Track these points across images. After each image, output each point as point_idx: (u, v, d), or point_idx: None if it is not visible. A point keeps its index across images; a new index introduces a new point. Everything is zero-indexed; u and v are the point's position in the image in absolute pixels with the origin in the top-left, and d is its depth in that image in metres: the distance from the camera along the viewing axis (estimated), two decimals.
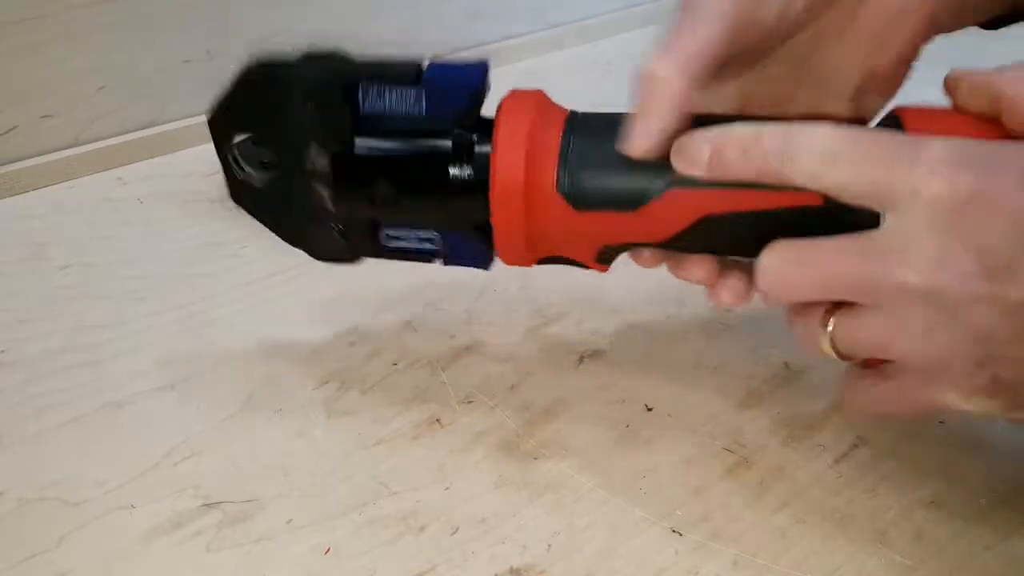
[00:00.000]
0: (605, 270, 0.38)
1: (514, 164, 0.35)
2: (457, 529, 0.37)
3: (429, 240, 0.40)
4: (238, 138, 0.40)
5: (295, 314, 0.50)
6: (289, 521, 0.37)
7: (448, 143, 0.36)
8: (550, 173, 0.35)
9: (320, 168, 0.38)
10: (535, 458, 0.40)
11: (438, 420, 0.43)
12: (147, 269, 0.54)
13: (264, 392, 0.45)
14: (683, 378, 0.45)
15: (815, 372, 0.45)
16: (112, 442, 0.42)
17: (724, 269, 0.36)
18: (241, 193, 0.41)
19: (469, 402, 0.44)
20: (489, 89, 0.37)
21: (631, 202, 0.34)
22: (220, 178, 0.40)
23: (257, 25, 0.79)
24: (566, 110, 0.37)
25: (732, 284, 0.36)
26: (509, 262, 0.39)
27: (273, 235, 0.42)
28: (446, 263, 0.41)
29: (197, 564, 0.36)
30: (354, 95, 0.37)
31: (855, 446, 0.40)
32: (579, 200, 0.35)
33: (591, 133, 0.35)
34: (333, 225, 0.40)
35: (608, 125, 0.35)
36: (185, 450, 0.41)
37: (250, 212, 0.42)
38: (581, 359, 0.47)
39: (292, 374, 0.46)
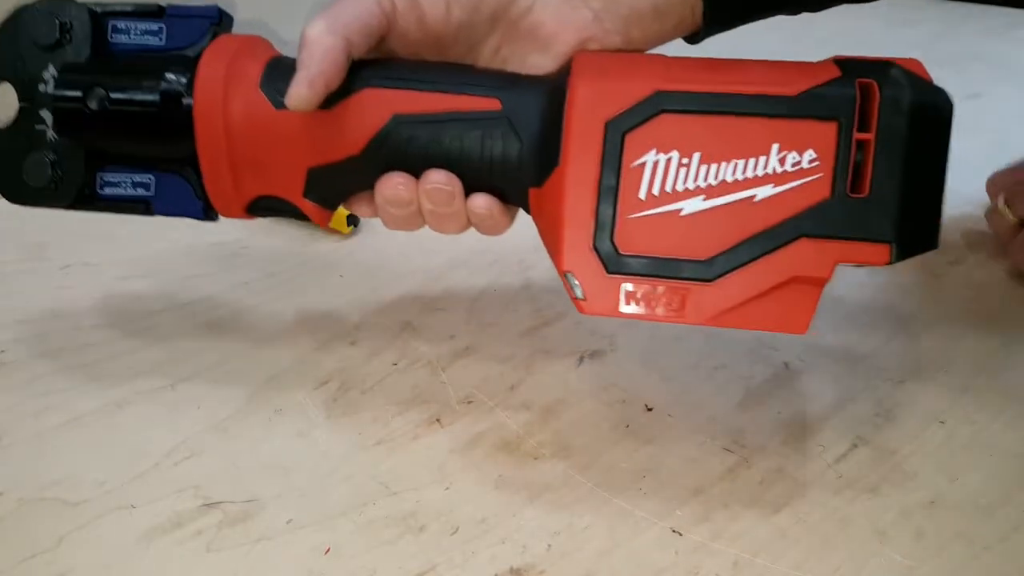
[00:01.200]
0: (319, 216, 0.39)
1: (214, 80, 0.36)
2: (457, 529, 0.37)
3: (143, 185, 0.40)
4: None
5: (295, 314, 0.50)
6: (289, 521, 0.37)
7: (167, 71, 0.38)
8: (252, 82, 0.37)
9: (49, 91, 0.39)
10: (535, 458, 0.40)
11: (438, 420, 0.43)
12: (147, 269, 0.54)
13: (264, 392, 0.45)
14: (683, 378, 0.45)
15: (815, 372, 0.45)
16: (112, 442, 0.42)
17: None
18: None
19: (469, 402, 0.44)
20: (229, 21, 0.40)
21: (327, 101, 0.36)
22: None
23: (257, 26, 0.78)
24: (276, 53, 0.39)
25: (438, 173, 0.37)
26: (220, 205, 0.39)
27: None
28: (159, 212, 0.41)
29: (197, 564, 0.36)
30: (104, 26, 0.39)
31: (855, 446, 0.40)
32: (280, 100, 0.36)
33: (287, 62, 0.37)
34: (46, 153, 0.40)
35: None
36: (185, 450, 0.41)
37: None
38: (581, 359, 0.47)
39: (292, 374, 0.46)
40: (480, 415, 0.43)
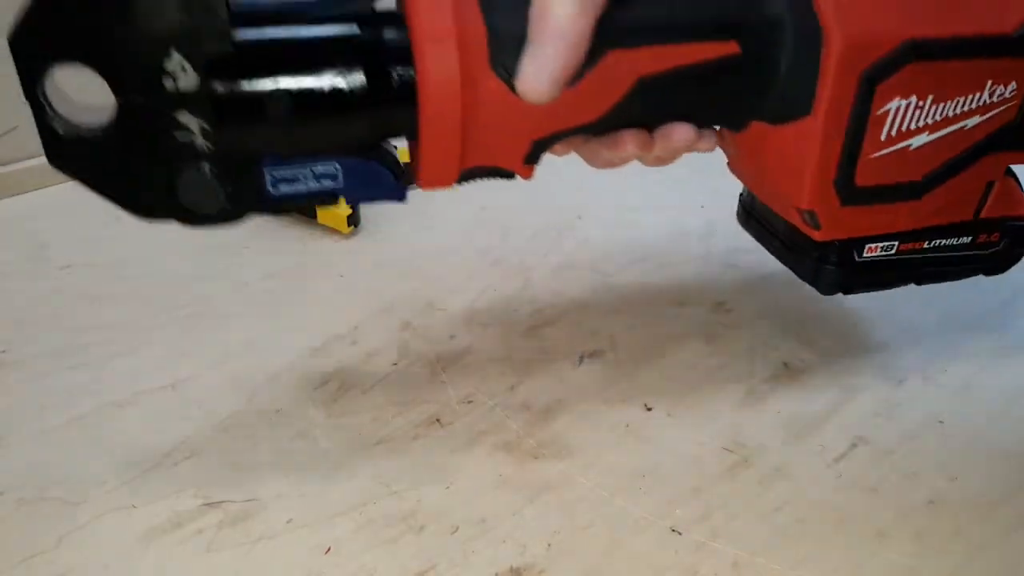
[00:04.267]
0: (530, 174, 0.35)
1: (447, 52, 0.30)
2: (457, 529, 0.37)
3: (329, 176, 0.33)
4: (58, 70, 0.29)
5: (295, 314, 0.50)
6: (289, 521, 0.38)
7: (355, 29, 0.30)
8: (482, 55, 0.30)
9: (186, 87, 0.29)
10: (535, 458, 0.40)
11: (438, 420, 0.43)
12: (147, 269, 0.54)
13: (264, 392, 0.45)
14: (683, 378, 0.45)
15: (815, 372, 0.45)
16: (112, 442, 0.42)
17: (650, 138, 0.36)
18: (63, 151, 0.30)
19: (469, 402, 0.44)
20: None
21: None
22: None
23: None
24: None
25: (681, 129, 0.36)
26: (429, 182, 0.34)
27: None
28: (351, 201, 0.34)
29: (197, 564, 0.36)
30: None
31: (855, 446, 0.40)
32: (511, 80, 0.31)
33: (510, 4, 0.31)
34: (205, 169, 0.31)
35: None
36: (185, 450, 0.41)
37: (80, 178, 0.31)
38: (581, 359, 0.47)
39: (292, 374, 0.46)
40: (480, 415, 0.43)
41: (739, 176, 0.42)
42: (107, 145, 0.30)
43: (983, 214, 0.41)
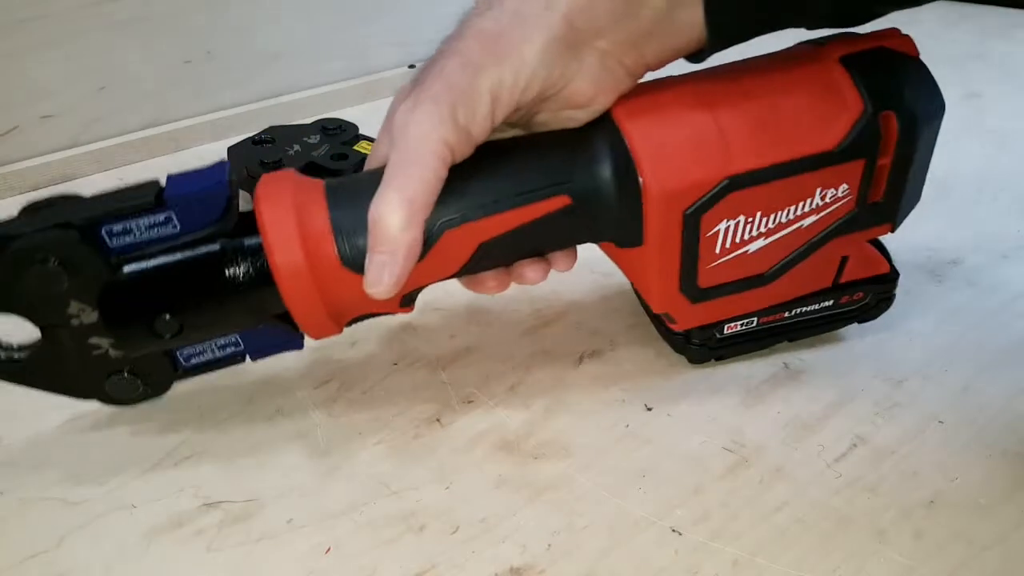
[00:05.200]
0: (410, 311, 0.39)
1: (290, 246, 0.34)
2: (457, 529, 0.37)
3: (231, 344, 0.38)
4: None
5: None
6: (289, 521, 0.38)
7: (216, 247, 0.35)
8: (330, 248, 0.34)
9: (89, 321, 0.36)
10: (535, 458, 0.40)
11: (438, 420, 0.43)
12: None
13: (264, 392, 0.45)
14: (683, 378, 0.45)
15: (815, 372, 0.45)
16: (112, 442, 0.42)
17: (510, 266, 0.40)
18: (10, 372, 0.38)
19: (469, 402, 0.44)
20: (234, 185, 0.36)
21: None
22: None
23: (257, 26, 0.79)
24: (320, 182, 0.36)
25: (531, 270, 0.39)
26: (318, 337, 0.37)
27: None
28: (256, 358, 0.40)
29: (197, 564, 0.36)
30: (98, 237, 0.34)
31: (855, 446, 0.40)
32: (361, 266, 0.35)
33: (353, 199, 0.35)
34: (123, 371, 0.38)
35: (366, 185, 0.35)
36: (185, 450, 0.41)
37: (30, 386, 0.38)
38: (581, 359, 0.47)
39: (292, 374, 0.46)
40: (480, 415, 0.43)
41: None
42: (41, 364, 0.37)
43: (842, 280, 0.43)
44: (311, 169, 0.62)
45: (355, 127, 0.68)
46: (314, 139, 0.65)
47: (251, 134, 0.66)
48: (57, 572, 0.35)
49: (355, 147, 0.66)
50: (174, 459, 0.41)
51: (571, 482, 0.39)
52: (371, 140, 0.67)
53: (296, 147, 0.64)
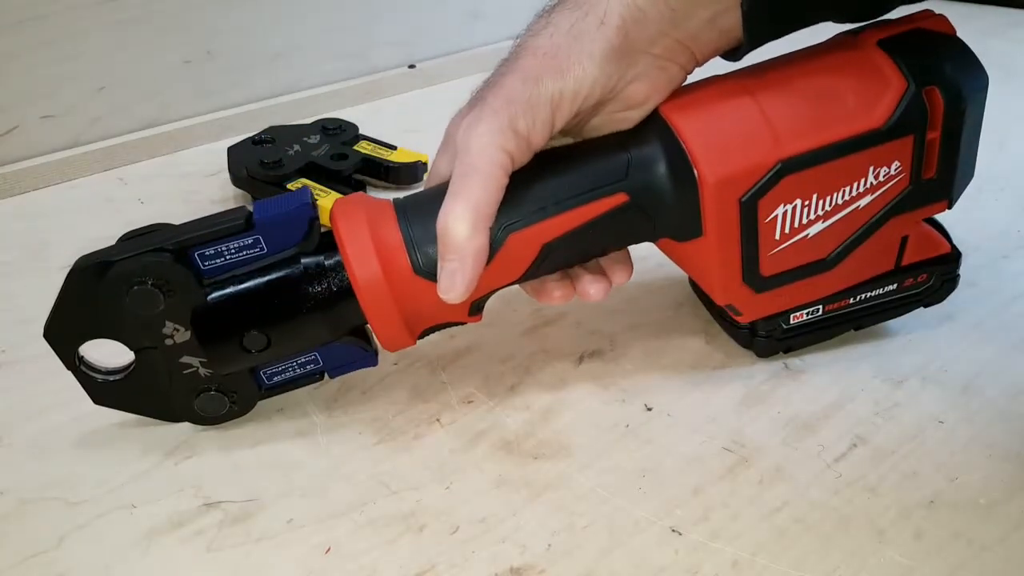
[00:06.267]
0: (479, 319, 0.41)
1: (367, 259, 0.36)
2: (457, 529, 0.37)
3: (311, 362, 0.41)
4: (84, 346, 0.39)
5: None
6: (289, 521, 0.38)
7: (300, 267, 0.37)
8: (403, 259, 0.37)
9: (182, 340, 0.38)
10: (535, 458, 0.40)
11: (438, 420, 0.43)
12: None
13: None
14: (683, 378, 0.45)
15: (815, 372, 0.45)
16: (112, 442, 0.42)
17: (574, 278, 0.42)
18: (105, 394, 0.40)
19: (469, 402, 0.44)
20: (316, 210, 0.39)
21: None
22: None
23: (258, 26, 0.79)
24: (388, 200, 0.39)
25: (594, 287, 0.41)
26: (394, 348, 0.39)
27: None
28: (334, 375, 0.42)
29: (197, 564, 0.36)
30: (190, 260, 0.37)
31: (854, 446, 0.40)
32: (433, 275, 0.37)
33: (421, 213, 0.37)
34: (212, 388, 0.40)
35: (432, 199, 0.37)
36: (185, 450, 0.41)
37: (123, 409, 0.41)
38: (581, 359, 0.47)
39: None
40: (480, 415, 0.43)
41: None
42: (134, 386, 0.40)
43: (904, 262, 0.43)
44: (311, 169, 0.62)
45: (355, 127, 0.68)
46: (314, 139, 0.65)
47: (251, 134, 0.66)
48: (57, 572, 0.35)
49: (355, 147, 0.66)
50: (174, 459, 0.41)
51: (571, 482, 0.39)
52: (371, 140, 0.67)
53: (296, 147, 0.64)
